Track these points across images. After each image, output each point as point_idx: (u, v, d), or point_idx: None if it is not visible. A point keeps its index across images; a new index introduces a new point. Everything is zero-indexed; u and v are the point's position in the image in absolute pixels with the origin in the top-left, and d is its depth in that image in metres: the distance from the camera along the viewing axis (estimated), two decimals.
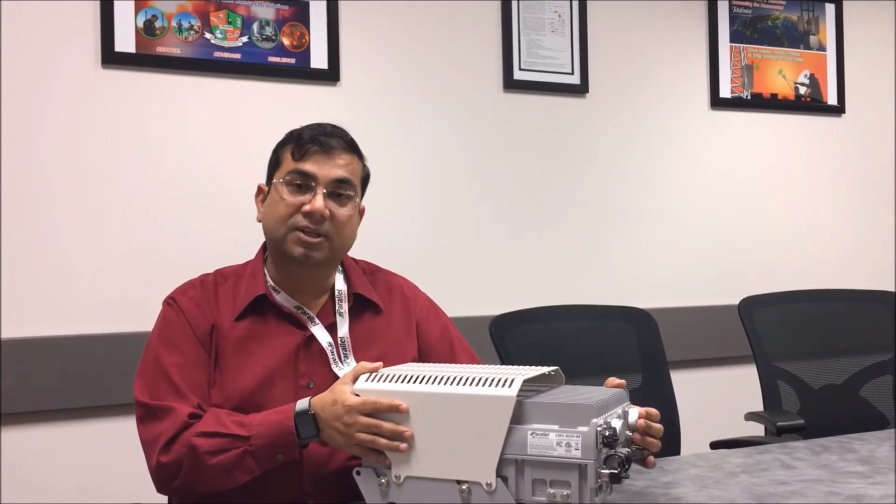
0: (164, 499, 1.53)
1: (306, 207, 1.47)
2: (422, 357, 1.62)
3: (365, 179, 1.59)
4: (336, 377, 1.46)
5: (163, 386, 1.43)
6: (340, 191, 1.50)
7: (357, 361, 1.49)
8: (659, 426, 1.33)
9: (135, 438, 1.44)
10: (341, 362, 1.49)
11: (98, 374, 2.28)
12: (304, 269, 1.52)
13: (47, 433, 2.27)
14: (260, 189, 1.58)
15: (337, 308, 1.54)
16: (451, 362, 1.62)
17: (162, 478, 1.40)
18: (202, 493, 1.38)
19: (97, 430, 2.30)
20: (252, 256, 1.60)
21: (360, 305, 1.58)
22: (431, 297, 1.72)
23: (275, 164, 1.55)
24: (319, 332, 1.51)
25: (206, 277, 1.57)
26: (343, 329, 1.53)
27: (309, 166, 1.49)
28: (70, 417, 2.28)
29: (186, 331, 1.48)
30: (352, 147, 1.55)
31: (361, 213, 1.61)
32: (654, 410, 1.34)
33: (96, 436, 2.30)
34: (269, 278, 1.55)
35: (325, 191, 1.48)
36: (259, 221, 1.55)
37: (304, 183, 1.49)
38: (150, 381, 1.45)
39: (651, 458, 1.32)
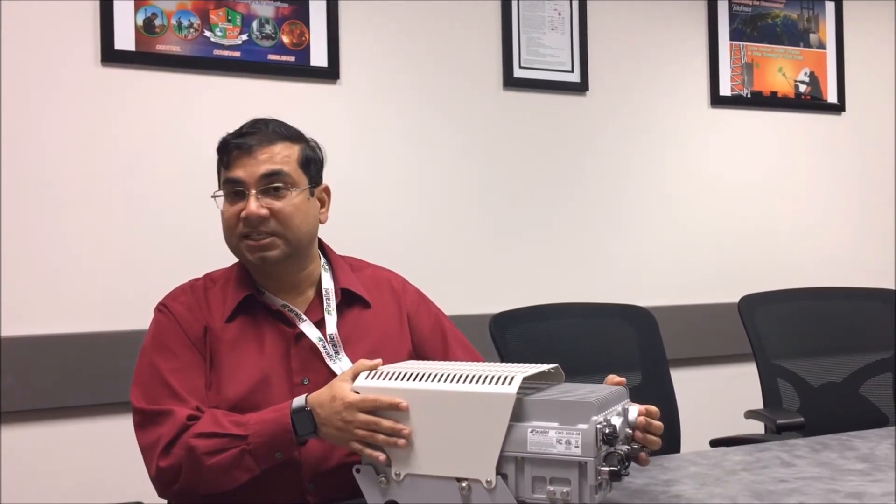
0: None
1: (242, 214, 1.47)
2: (415, 349, 1.61)
3: (306, 161, 1.54)
4: (331, 372, 1.47)
5: (160, 391, 1.43)
6: (273, 185, 1.49)
7: (349, 356, 1.49)
8: (659, 423, 1.33)
9: (135, 436, 1.44)
10: (335, 356, 1.49)
11: (98, 373, 2.28)
12: (273, 269, 1.52)
13: (47, 431, 2.27)
14: None
15: (325, 305, 1.54)
16: (444, 354, 1.63)
17: (163, 482, 1.40)
18: (203, 494, 1.38)
19: (97, 429, 2.30)
20: None
21: (348, 301, 1.58)
22: (430, 293, 1.72)
23: (218, 178, 1.56)
24: (308, 329, 1.50)
25: (196, 282, 1.58)
26: (332, 325, 1.53)
27: (236, 172, 1.49)
28: (70, 415, 2.28)
29: (180, 335, 1.49)
30: (280, 135, 1.52)
31: (327, 192, 1.60)
32: (653, 408, 1.33)
33: (96, 434, 2.30)
34: (254, 280, 1.56)
35: (255, 192, 1.47)
36: None
37: (237, 190, 1.49)
38: (147, 387, 1.44)
39: (643, 454, 1.31)
